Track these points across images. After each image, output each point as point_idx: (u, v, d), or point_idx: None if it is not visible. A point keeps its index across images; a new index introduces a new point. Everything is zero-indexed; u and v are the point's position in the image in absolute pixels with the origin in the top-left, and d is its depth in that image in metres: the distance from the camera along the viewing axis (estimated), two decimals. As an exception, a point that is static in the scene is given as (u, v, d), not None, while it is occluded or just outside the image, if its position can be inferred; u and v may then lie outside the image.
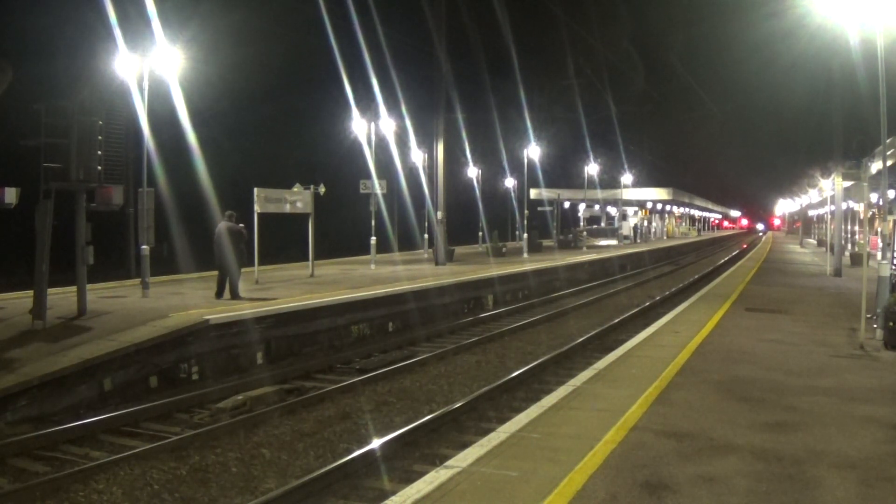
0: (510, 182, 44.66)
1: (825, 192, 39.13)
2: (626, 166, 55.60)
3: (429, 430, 8.65)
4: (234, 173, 28.86)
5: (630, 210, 60.19)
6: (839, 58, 19.88)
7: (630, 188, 56.64)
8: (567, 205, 58.36)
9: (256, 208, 17.29)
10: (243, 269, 15.43)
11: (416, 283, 18.03)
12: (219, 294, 14.44)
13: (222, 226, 14.57)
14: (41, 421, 8.78)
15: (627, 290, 25.66)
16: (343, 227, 34.56)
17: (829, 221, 35.28)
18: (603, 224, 56.20)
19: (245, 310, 12.74)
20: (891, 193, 14.46)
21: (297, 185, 19.44)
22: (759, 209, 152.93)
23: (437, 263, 25.40)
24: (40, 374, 8.88)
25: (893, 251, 13.09)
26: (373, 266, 22.98)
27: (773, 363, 9.63)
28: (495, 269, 22.89)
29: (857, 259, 29.54)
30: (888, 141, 15.54)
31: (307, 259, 20.29)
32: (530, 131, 36.36)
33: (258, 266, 18.01)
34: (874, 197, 20.74)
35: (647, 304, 20.82)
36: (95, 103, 11.99)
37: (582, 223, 57.30)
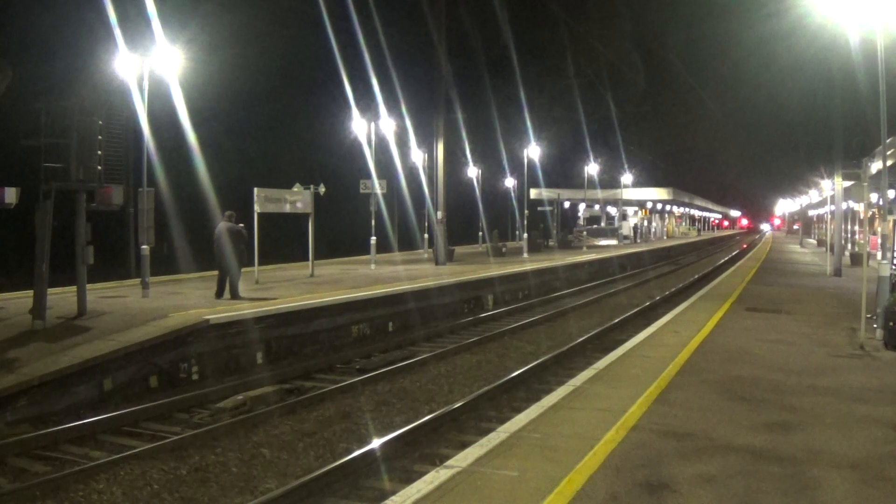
0: (510, 182, 44.67)
1: (825, 192, 39.14)
2: (626, 166, 55.68)
3: (429, 430, 8.65)
4: (234, 173, 28.86)
5: (630, 210, 60.20)
6: (839, 58, 19.87)
7: (630, 188, 56.67)
8: (567, 205, 58.41)
9: (256, 208, 17.30)
10: (243, 269, 15.43)
11: (416, 283, 18.03)
12: (219, 294, 14.44)
13: (222, 226, 14.56)
14: (41, 421, 8.78)
15: (627, 290, 25.65)
16: (343, 227, 34.55)
17: (829, 221, 35.29)
18: (603, 224, 56.22)
19: (245, 310, 12.74)
20: (891, 193, 14.44)
21: (297, 185, 19.45)
22: (759, 209, 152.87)
23: (437, 263, 25.40)
24: (40, 373, 8.88)
25: (894, 251, 13.08)
26: (373, 266, 22.99)
27: (773, 363, 9.63)
28: (495, 269, 22.89)
29: (857, 259, 29.53)
30: (888, 141, 15.53)
31: (307, 259, 20.29)
32: (530, 131, 36.39)
33: (258, 266, 18.01)
34: (874, 197, 20.73)
35: (647, 304, 20.82)
36: (95, 103, 11.99)
37: (582, 223, 57.30)
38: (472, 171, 40.47)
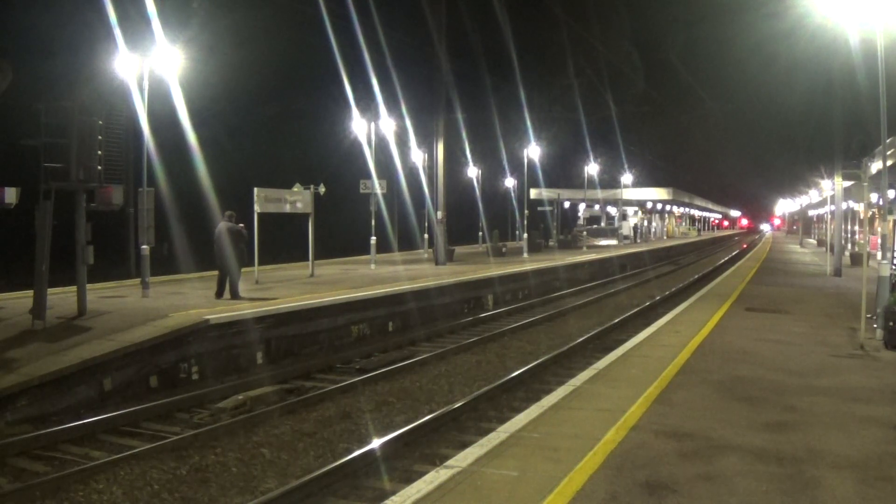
0: (510, 182, 44.67)
1: (825, 192, 39.15)
2: (626, 166, 55.66)
3: (429, 430, 8.65)
4: (234, 173, 28.84)
5: (630, 210, 60.19)
6: (839, 58, 19.86)
7: (630, 188, 56.66)
8: (567, 205, 58.39)
9: (256, 208, 17.30)
10: (243, 269, 15.43)
11: (416, 283, 18.03)
12: (219, 294, 14.44)
13: (222, 226, 14.57)
14: (41, 421, 8.78)
15: (627, 290, 25.66)
16: (343, 227, 34.54)
17: (829, 221, 35.29)
18: (603, 224, 56.21)
19: (245, 310, 12.74)
20: (891, 193, 14.44)
21: (297, 185, 19.45)
22: (759, 209, 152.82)
23: (437, 263, 25.41)
24: (40, 373, 8.89)
25: (894, 251, 13.08)
26: (373, 266, 22.99)
27: (773, 363, 9.63)
28: (495, 269, 22.89)
29: (857, 259, 29.54)
30: (888, 141, 15.54)
31: (307, 259, 20.29)
32: (530, 131, 36.37)
33: (258, 266, 18.01)
34: (874, 197, 20.73)
35: (647, 303, 20.82)
36: (95, 103, 11.99)
37: (582, 223, 57.27)
38: (472, 171, 40.47)
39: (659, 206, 67.45)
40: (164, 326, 11.11)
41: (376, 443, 7.96)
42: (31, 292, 11.44)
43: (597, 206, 58.66)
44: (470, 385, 11.22)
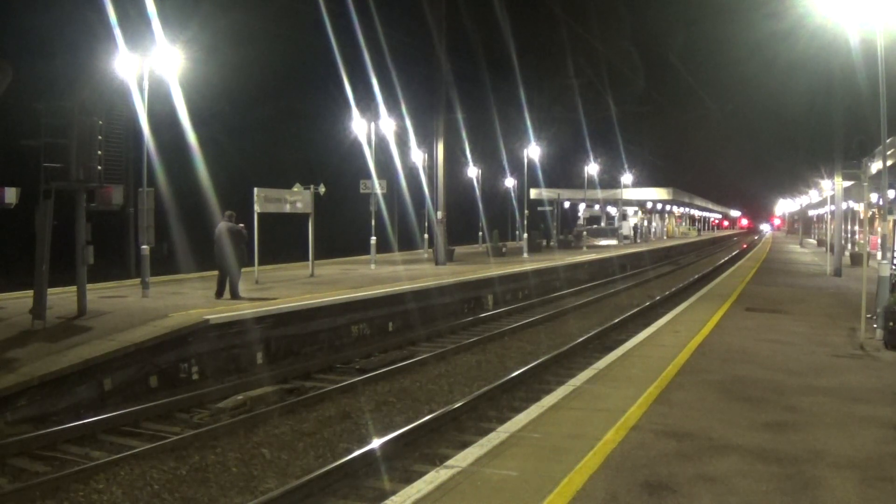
0: (510, 182, 44.67)
1: (825, 192, 39.16)
2: (626, 166, 55.67)
3: (429, 430, 8.65)
4: (234, 173, 28.84)
5: (630, 210, 60.18)
6: (839, 58, 19.87)
7: (630, 188, 56.66)
8: (567, 205, 58.38)
9: (256, 208, 17.30)
10: (243, 269, 15.43)
11: (416, 283, 18.03)
12: (219, 294, 14.44)
13: (222, 226, 14.57)
14: (41, 421, 8.78)
15: (627, 290, 25.66)
16: (343, 227, 34.53)
17: (829, 221, 35.29)
18: (603, 224, 56.21)
19: (245, 310, 12.74)
20: (891, 193, 14.44)
21: (297, 185, 19.46)
22: (759, 209, 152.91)
23: (437, 263, 25.40)
24: (40, 373, 8.88)
25: (894, 251, 13.08)
26: (373, 266, 22.99)
27: (773, 363, 9.63)
28: (495, 269, 22.89)
29: (857, 259, 29.54)
30: (888, 141, 15.54)
31: (307, 259, 20.30)
32: (530, 131, 36.39)
33: (258, 266, 18.01)
34: (874, 197, 20.73)
35: (647, 304, 20.82)
36: (95, 103, 11.99)
37: (582, 223, 57.28)
38: (472, 171, 40.47)
39: (659, 206, 67.47)
40: (164, 326, 11.11)
41: (376, 443, 7.95)
42: (31, 292, 11.44)
43: (597, 206, 58.66)
44: (470, 385, 11.22)
